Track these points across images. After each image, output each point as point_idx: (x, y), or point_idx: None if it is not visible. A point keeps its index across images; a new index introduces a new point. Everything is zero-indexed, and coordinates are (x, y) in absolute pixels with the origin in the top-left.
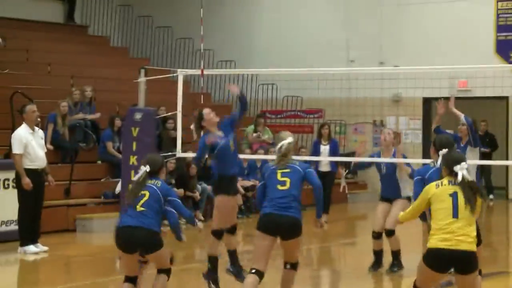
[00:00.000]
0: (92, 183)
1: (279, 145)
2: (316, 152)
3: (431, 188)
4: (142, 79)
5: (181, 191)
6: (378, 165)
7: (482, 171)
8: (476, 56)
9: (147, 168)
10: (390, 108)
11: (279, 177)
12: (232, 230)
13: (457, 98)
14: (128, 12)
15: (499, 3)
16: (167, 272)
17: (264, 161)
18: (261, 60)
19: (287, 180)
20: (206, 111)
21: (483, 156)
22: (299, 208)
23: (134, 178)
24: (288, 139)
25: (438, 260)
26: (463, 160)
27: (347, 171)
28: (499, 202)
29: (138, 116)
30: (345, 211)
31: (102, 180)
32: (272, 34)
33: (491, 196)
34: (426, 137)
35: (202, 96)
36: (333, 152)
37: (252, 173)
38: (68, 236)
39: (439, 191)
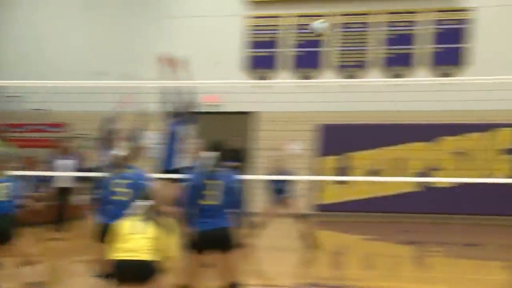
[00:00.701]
0: None
1: None
2: (56, 166)
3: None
4: None
5: None
6: None
7: None
8: (224, 72)
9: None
10: None
11: None
12: None
13: (206, 113)
14: None
15: (247, 20)
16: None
17: None
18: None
19: None
20: None
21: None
22: None
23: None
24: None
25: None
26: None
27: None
28: None
29: None
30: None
31: None
32: (21, 45)
33: None
34: None
35: None
36: (74, 166)
37: None
38: None
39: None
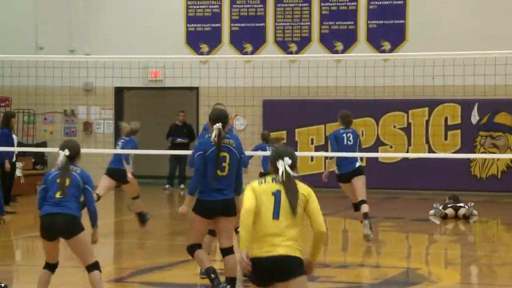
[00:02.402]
0: None
1: None
2: (5, 143)
3: (255, 186)
4: None
5: None
6: None
7: (179, 160)
8: (168, 47)
9: (66, 153)
10: (81, 97)
11: None
12: None
13: (149, 88)
14: None
15: None
16: (95, 266)
17: None
18: None
19: None
20: None
21: (179, 147)
22: None
23: (57, 162)
24: None
25: (259, 270)
26: (287, 155)
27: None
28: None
29: None
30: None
31: None
32: None
33: (182, 186)
34: (118, 127)
35: None
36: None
37: None
38: None
39: (262, 189)
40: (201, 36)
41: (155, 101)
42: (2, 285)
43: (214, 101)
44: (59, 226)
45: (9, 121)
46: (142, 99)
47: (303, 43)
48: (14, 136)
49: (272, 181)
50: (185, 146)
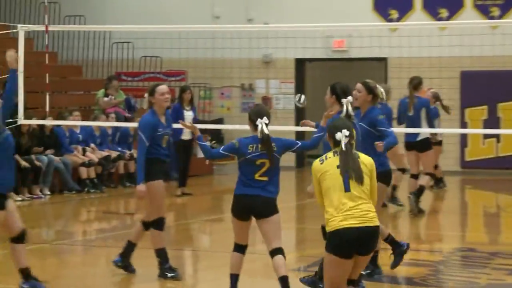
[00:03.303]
0: None
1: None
2: (178, 119)
3: (316, 165)
4: None
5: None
6: None
7: None
8: (353, 13)
9: (266, 121)
10: (260, 70)
11: None
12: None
13: (332, 60)
14: None
15: None
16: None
17: None
18: (114, 16)
19: None
20: (161, 89)
21: None
22: None
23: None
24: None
25: (345, 241)
26: (345, 126)
27: (213, 141)
28: None
29: None
30: (211, 184)
31: None
32: None
33: None
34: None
35: (47, 55)
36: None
37: (105, 142)
38: None
39: (325, 166)
40: (390, 1)
41: (339, 73)
42: (174, 273)
43: (405, 73)
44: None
45: (181, 96)
46: (324, 72)
47: (508, 6)
48: (188, 112)
49: (334, 155)
50: None
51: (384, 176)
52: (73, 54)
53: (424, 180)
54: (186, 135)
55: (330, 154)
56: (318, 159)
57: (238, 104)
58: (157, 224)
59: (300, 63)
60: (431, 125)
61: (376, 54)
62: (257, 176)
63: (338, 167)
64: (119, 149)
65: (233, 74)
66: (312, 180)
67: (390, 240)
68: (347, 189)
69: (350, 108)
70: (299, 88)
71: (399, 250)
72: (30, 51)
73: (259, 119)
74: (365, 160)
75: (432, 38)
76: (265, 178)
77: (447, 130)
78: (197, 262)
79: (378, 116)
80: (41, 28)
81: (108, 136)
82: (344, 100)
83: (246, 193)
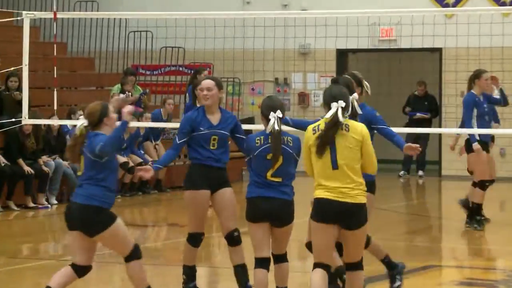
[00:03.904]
0: None
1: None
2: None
3: (309, 134)
4: None
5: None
6: None
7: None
8: None
9: (279, 114)
10: (296, 63)
11: None
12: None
13: (379, 50)
14: None
15: None
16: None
17: None
18: (131, 2)
19: None
20: (204, 83)
21: (419, 123)
22: None
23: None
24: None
25: (326, 210)
26: (342, 96)
27: None
28: (431, 180)
29: None
30: (241, 192)
31: None
32: None
33: (420, 173)
34: None
35: (55, 46)
36: None
37: (132, 146)
38: None
39: (315, 138)
40: None
41: (387, 66)
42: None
43: (463, 65)
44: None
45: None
46: (370, 64)
47: None
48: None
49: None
50: (426, 123)
51: (369, 186)
52: (84, 45)
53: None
54: None
55: (322, 124)
56: (312, 127)
57: None
58: (193, 239)
59: (342, 55)
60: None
61: (429, 44)
62: (269, 176)
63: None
64: (142, 153)
65: (266, 68)
66: (303, 146)
67: (387, 261)
68: (334, 166)
69: (356, 104)
70: None
71: (395, 271)
72: (36, 41)
73: (272, 113)
74: (356, 130)
75: (493, 26)
76: (278, 179)
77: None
78: (219, 280)
79: (375, 113)
80: (49, 15)
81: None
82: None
83: (260, 195)
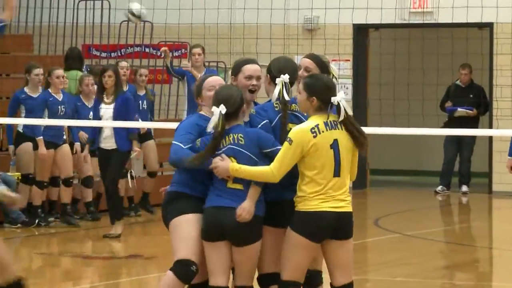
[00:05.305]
0: None
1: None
2: None
3: (307, 136)
4: None
5: None
6: None
7: (460, 147)
8: None
9: (223, 110)
10: (301, 42)
11: None
12: None
13: (410, 26)
14: None
15: None
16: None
17: None
18: None
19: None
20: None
21: (462, 122)
22: None
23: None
24: None
25: (323, 226)
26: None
27: None
28: (478, 197)
29: None
30: None
31: None
32: None
33: (464, 188)
34: (360, 89)
35: None
36: None
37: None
38: None
39: (318, 142)
40: None
41: (419, 46)
42: None
43: None
44: None
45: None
46: (398, 44)
47: None
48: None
49: (327, 128)
50: (471, 121)
51: None
52: (19, 19)
53: None
54: None
55: (321, 125)
56: (309, 128)
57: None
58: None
59: (361, 32)
60: None
61: (476, 18)
62: (229, 184)
63: (331, 146)
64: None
65: (260, 48)
66: (288, 146)
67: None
68: (336, 173)
69: (285, 91)
70: (359, 67)
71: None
72: None
73: (214, 107)
74: None
75: None
76: (239, 186)
77: None
78: None
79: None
80: None
81: None
82: (278, 79)
83: (217, 204)
